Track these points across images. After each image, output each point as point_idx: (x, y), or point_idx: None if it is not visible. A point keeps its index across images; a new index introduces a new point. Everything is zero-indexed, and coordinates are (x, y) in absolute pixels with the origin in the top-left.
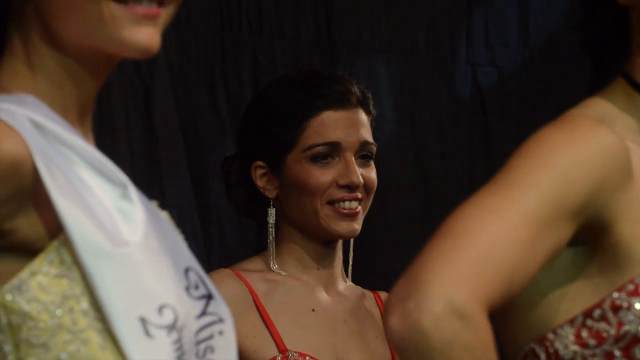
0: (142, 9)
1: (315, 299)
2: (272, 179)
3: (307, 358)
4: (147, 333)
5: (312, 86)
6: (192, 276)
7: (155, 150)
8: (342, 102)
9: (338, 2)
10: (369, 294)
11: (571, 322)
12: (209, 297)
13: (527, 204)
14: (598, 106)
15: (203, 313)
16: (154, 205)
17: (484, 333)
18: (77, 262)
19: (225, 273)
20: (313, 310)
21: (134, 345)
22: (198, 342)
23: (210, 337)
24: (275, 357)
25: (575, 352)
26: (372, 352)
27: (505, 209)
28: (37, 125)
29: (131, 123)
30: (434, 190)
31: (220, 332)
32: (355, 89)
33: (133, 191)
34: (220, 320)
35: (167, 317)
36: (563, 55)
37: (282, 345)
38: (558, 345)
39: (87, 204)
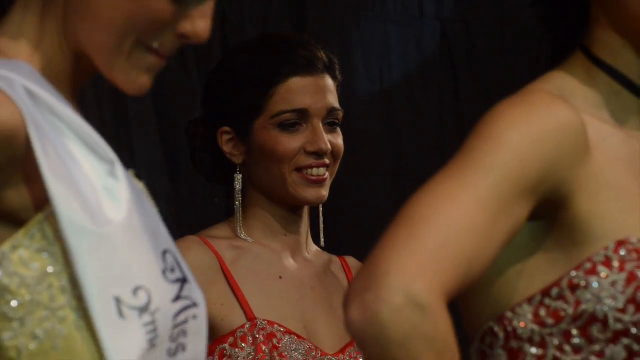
0: (156, 59)
1: (282, 266)
2: (239, 144)
3: (275, 326)
4: (121, 313)
5: (279, 52)
6: (169, 259)
7: (124, 110)
8: (309, 68)
9: None
10: (335, 259)
11: (529, 300)
12: (183, 280)
13: (482, 187)
14: (558, 80)
15: (178, 297)
16: (131, 175)
17: (444, 324)
18: (59, 238)
19: (192, 240)
20: (280, 277)
21: (107, 324)
22: (175, 326)
23: (185, 321)
24: (244, 325)
25: (533, 331)
26: (339, 319)
27: (461, 194)
28: (31, 95)
29: (98, 81)
30: (404, 147)
31: (194, 317)
32: (322, 55)
33: (120, 169)
34: (194, 305)
35: (141, 299)
36: (531, 10)
37: (250, 313)
38: (516, 324)
39: (75, 180)
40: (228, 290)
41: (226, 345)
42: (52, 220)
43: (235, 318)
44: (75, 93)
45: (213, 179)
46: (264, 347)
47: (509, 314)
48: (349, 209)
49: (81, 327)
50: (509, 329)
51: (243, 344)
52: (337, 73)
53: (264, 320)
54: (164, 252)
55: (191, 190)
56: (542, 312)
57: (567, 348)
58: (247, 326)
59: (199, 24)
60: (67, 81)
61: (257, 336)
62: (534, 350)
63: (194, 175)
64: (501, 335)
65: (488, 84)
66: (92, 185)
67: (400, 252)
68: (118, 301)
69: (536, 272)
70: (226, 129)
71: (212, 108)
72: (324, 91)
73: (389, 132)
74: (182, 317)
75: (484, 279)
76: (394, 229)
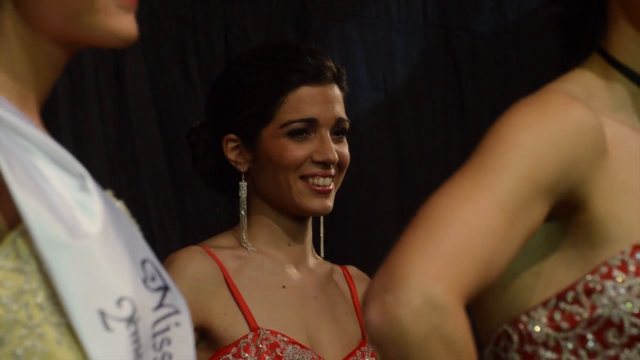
0: None
1: (285, 276)
2: (245, 152)
3: (279, 335)
4: (106, 326)
5: (288, 60)
6: (149, 268)
7: (127, 120)
8: (318, 77)
9: None
10: (337, 269)
11: (544, 304)
12: (165, 288)
13: (500, 188)
14: (575, 81)
15: (160, 305)
16: (109, 195)
17: (463, 326)
18: (33, 255)
19: (195, 250)
20: (284, 287)
21: (93, 338)
22: (154, 335)
23: (167, 329)
24: (247, 335)
25: (548, 335)
26: (342, 328)
27: (479, 196)
28: None
29: (103, 92)
30: (408, 155)
31: (177, 324)
32: (331, 64)
33: (90, 183)
34: (177, 312)
35: (126, 310)
36: (536, 18)
37: (253, 323)
38: (531, 327)
39: (46, 196)
40: (231, 300)
41: (229, 356)
42: (26, 237)
43: (238, 328)
44: (40, 105)
45: (215, 187)
46: (267, 357)
47: (524, 318)
48: (353, 218)
49: (62, 342)
50: (524, 332)
51: (246, 354)
52: (344, 83)
53: (267, 330)
54: (143, 262)
55: (195, 201)
56: (557, 316)
57: (582, 353)
58: (250, 336)
59: None
60: (33, 96)
61: (260, 346)
62: (548, 354)
63: (198, 186)
64: (515, 338)
65: (492, 92)
66: (64, 200)
67: (419, 254)
68: (102, 314)
69: (551, 275)
70: (232, 136)
71: (218, 115)
72: (332, 101)
73: (393, 140)
74: (162, 325)
75: (499, 281)
76: (412, 230)
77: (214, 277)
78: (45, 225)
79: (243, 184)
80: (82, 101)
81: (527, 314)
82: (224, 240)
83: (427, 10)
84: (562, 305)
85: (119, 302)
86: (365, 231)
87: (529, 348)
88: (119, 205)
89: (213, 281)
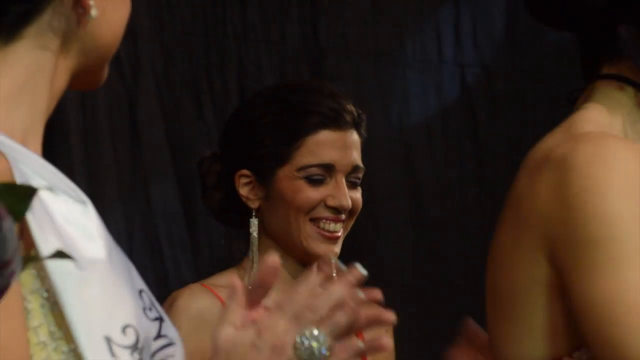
0: None
1: None
2: (257, 189)
3: None
4: (112, 353)
5: (309, 101)
6: (145, 298)
7: (140, 158)
8: (338, 121)
9: (324, 6)
10: None
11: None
12: (161, 319)
13: None
14: (604, 118)
15: (158, 335)
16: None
17: None
18: (35, 292)
19: (197, 288)
20: None
21: None
22: None
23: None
24: None
25: None
26: None
27: None
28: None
29: (116, 130)
30: (423, 194)
31: (172, 356)
32: (352, 108)
33: (91, 209)
34: (172, 344)
35: (130, 337)
36: (551, 54)
37: None
38: None
39: (54, 224)
40: None
41: None
42: (27, 273)
43: None
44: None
45: (221, 219)
46: None
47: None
48: (368, 257)
49: None
50: None
51: None
52: (364, 129)
53: None
54: (140, 292)
55: (209, 238)
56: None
57: None
58: None
59: None
60: (40, 122)
61: None
62: None
63: (212, 224)
64: None
65: (508, 128)
66: (69, 227)
67: None
68: (109, 341)
69: None
70: (245, 172)
71: (233, 150)
72: (351, 147)
73: (408, 178)
74: (160, 356)
75: (536, 323)
76: (622, 318)
77: (215, 314)
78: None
79: (254, 221)
80: (96, 140)
81: (570, 355)
82: (226, 278)
83: (442, 47)
84: None
85: (124, 329)
86: (380, 269)
87: None
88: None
89: (214, 318)
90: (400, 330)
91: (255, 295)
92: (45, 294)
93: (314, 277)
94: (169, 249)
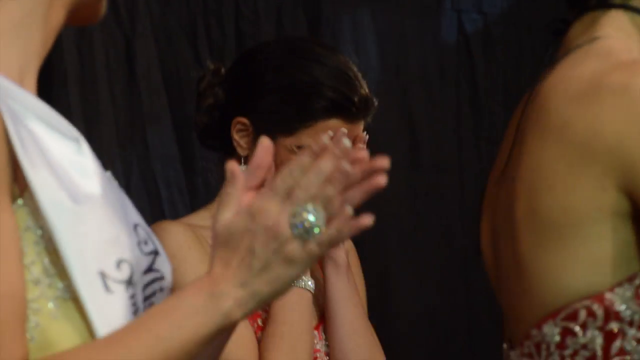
0: None
1: None
2: (251, 140)
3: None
4: (107, 288)
5: (327, 83)
6: (141, 232)
7: (138, 103)
8: (352, 113)
9: None
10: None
11: (630, 280)
12: (156, 253)
13: None
14: (631, 46)
15: (149, 269)
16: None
17: None
18: (29, 229)
19: (174, 223)
20: None
21: (94, 300)
22: (145, 298)
23: (153, 294)
24: None
25: (634, 312)
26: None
27: None
28: None
29: (113, 76)
30: (420, 138)
31: (161, 289)
32: (368, 96)
33: (85, 146)
34: (162, 278)
35: (125, 272)
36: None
37: None
38: (618, 305)
39: (47, 159)
40: None
41: None
42: (23, 210)
43: None
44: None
45: (204, 141)
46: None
47: (609, 295)
48: (364, 202)
49: (58, 316)
50: (611, 309)
51: None
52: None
53: None
54: (135, 226)
55: (205, 182)
56: None
57: None
58: None
59: None
60: (35, 61)
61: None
62: (632, 331)
63: (208, 167)
64: (600, 314)
65: (506, 74)
66: (64, 164)
67: None
68: (103, 276)
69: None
70: (244, 120)
71: (239, 95)
72: (358, 140)
73: (405, 124)
74: (150, 290)
75: (575, 255)
76: None
77: (200, 245)
78: (49, 188)
79: (243, 167)
80: (94, 84)
81: (612, 290)
82: (200, 218)
83: None
84: None
85: (119, 264)
86: (378, 213)
87: (614, 325)
88: (109, 174)
89: (201, 248)
90: (395, 274)
91: (254, 178)
92: (39, 232)
93: (301, 156)
94: (167, 192)
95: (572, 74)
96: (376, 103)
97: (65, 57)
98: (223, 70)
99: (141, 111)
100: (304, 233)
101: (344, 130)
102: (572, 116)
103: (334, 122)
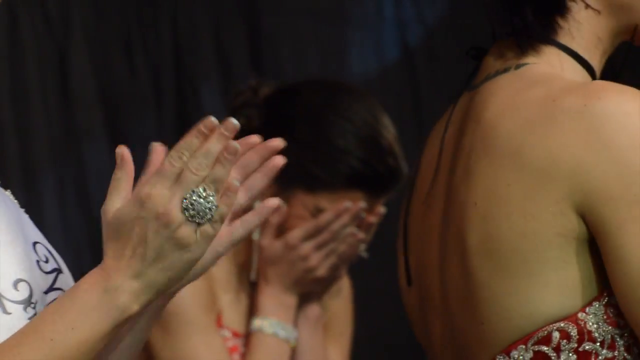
0: None
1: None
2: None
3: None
4: (4, 309)
5: (360, 153)
6: (41, 250)
7: (72, 117)
8: (378, 191)
9: None
10: None
11: (598, 299)
12: (59, 271)
13: None
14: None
15: (51, 288)
16: None
17: None
18: None
19: None
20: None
21: None
22: None
23: None
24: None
25: (605, 332)
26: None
27: None
28: None
29: (46, 88)
30: None
31: None
32: (399, 174)
33: None
34: None
35: (23, 292)
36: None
37: (219, 321)
38: (590, 325)
39: None
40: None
41: None
42: None
43: None
44: None
45: None
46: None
47: (581, 315)
48: None
49: None
50: (584, 330)
51: None
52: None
53: (229, 329)
54: (34, 244)
55: None
56: (611, 312)
57: (635, 349)
58: None
59: None
60: None
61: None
62: (604, 352)
63: None
64: (574, 336)
65: (449, 86)
66: None
67: None
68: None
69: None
70: None
71: (272, 131)
72: (375, 215)
73: None
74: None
75: (544, 279)
76: None
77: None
78: None
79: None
80: (25, 98)
81: (584, 310)
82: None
83: (381, 4)
84: (614, 300)
85: (16, 284)
86: None
87: (588, 346)
88: (8, 193)
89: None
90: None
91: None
92: None
93: (187, 137)
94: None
95: (519, 100)
96: (405, 171)
97: None
98: (263, 90)
99: (75, 126)
100: (196, 216)
101: (363, 205)
102: (527, 141)
103: (356, 194)
